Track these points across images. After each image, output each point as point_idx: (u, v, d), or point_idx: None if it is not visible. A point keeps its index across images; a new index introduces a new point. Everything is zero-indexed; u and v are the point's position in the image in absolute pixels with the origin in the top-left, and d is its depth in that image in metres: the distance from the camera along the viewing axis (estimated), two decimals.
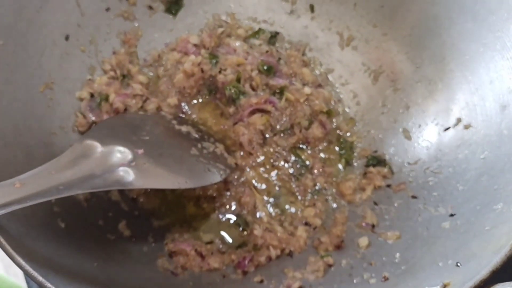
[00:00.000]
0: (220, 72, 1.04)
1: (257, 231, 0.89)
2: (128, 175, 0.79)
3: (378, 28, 1.08)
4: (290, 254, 0.89)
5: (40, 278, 0.62)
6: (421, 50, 1.02)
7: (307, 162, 1.00)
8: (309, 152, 1.01)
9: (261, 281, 0.85)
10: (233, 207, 0.94)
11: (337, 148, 1.03)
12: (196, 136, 0.98)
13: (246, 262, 0.87)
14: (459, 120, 0.93)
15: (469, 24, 0.95)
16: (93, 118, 0.98)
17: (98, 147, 0.81)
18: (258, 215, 0.94)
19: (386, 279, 0.78)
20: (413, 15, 1.02)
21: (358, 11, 1.09)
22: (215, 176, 0.90)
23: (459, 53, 0.96)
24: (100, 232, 0.84)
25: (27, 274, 0.63)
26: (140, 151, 0.84)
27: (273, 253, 0.88)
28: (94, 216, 0.86)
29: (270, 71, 1.06)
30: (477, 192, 0.82)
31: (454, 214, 0.82)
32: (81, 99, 0.99)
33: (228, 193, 0.95)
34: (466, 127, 0.92)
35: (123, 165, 0.80)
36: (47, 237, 0.73)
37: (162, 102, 1.03)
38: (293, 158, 1.00)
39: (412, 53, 1.03)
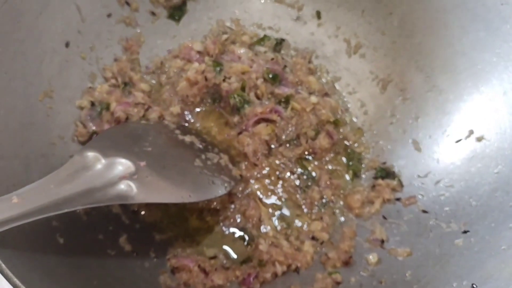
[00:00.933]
0: (224, 80, 1.01)
1: (263, 246, 0.86)
2: (130, 189, 0.76)
3: (386, 35, 1.05)
4: (297, 270, 0.86)
5: None
6: (432, 59, 0.99)
7: (314, 174, 0.97)
8: (315, 163, 0.98)
9: None
10: (238, 220, 0.91)
11: (344, 159, 1.00)
12: (200, 146, 0.95)
13: (251, 279, 0.84)
14: (471, 132, 0.91)
15: (481, 33, 0.92)
16: (94, 128, 0.95)
17: (99, 159, 0.78)
18: (263, 229, 0.91)
19: None
20: (423, 23, 1.00)
21: (366, 18, 1.06)
22: (220, 189, 0.87)
23: (471, 63, 0.94)
24: (100, 247, 0.81)
25: None
26: (143, 164, 0.81)
27: (279, 269, 0.85)
28: (94, 231, 0.83)
29: (275, 79, 1.03)
30: (492, 208, 0.79)
31: (468, 231, 0.79)
32: (81, 108, 0.96)
33: (233, 206, 0.92)
34: (479, 139, 0.89)
35: (125, 178, 0.77)
36: (45, 253, 0.71)
37: (165, 110, 1.00)
38: (299, 169, 0.97)
39: (422, 62, 1.00)
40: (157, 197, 0.79)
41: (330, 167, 0.98)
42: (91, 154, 0.78)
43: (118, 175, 0.77)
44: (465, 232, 0.79)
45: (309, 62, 1.10)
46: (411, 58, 1.02)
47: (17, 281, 0.60)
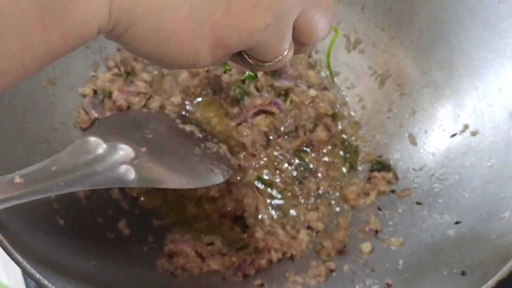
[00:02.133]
0: (225, 72, 1.03)
1: (259, 233, 0.88)
2: (130, 173, 0.77)
3: (385, 31, 1.06)
4: (292, 258, 0.88)
5: (38, 276, 0.61)
6: (429, 55, 1.01)
7: (311, 165, 0.98)
8: (313, 155, 0.99)
9: (262, 285, 0.83)
10: (235, 209, 0.92)
11: (341, 152, 1.01)
12: (200, 135, 0.97)
13: (247, 264, 0.85)
14: (466, 127, 0.92)
15: (478, 30, 0.94)
16: (96, 115, 0.97)
17: (101, 144, 0.79)
18: (260, 217, 0.92)
19: (389, 286, 0.77)
20: (421, 20, 1.01)
21: (366, 14, 1.08)
22: (218, 177, 0.89)
23: (467, 59, 0.95)
24: (99, 230, 0.83)
25: (24, 271, 0.61)
26: (143, 149, 0.83)
27: (274, 256, 0.86)
28: (94, 214, 0.85)
29: (275, 72, 1.05)
30: (484, 200, 0.81)
31: (460, 222, 0.81)
32: (84, 96, 0.98)
33: (230, 195, 0.93)
34: (473, 134, 0.91)
35: (125, 163, 0.79)
36: (45, 234, 0.72)
37: (166, 100, 1.02)
38: (297, 161, 0.99)
39: (420, 57, 1.02)
40: (157, 182, 0.80)
41: (327, 159, 1.00)
42: (92, 139, 0.79)
43: (118, 160, 0.78)
44: (457, 223, 0.81)
45: (309, 56, 1.11)
46: (409, 54, 1.03)
47: (18, 257, 0.61)
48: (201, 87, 1.04)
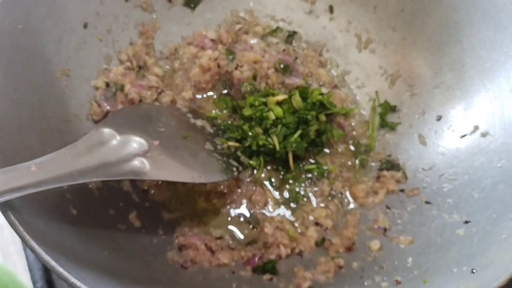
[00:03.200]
0: (236, 68, 1.03)
1: (268, 229, 0.88)
2: (143, 166, 0.78)
3: (397, 32, 1.07)
4: (300, 253, 0.88)
5: (53, 263, 0.61)
6: (441, 56, 1.01)
7: (325, 167, 0.99)
8: (327, 152, 1.00)
9: (271, 279, 0.84)
10: (244, 204, 0.93)
11: (352, 149, 1.02)
12: (211, 130, 0.98)
13: (256, 259, 0.86)
14: (476, 128, 0.93)
15: (491, 32, 0.94)
16: (108, 108, 0.97)
17: (115, 136, 0.80)
18: (268, 213, 0.93)
19: (398, 283, 0.77)
20: (433, 21, 1.02)
21: (378, 14, 1.08)
22: (228, 173, 0.90)
23: (479, 61, 0.95)
24: (111, 221, 0.84)
25: (38, 258, 0.62)
26: (156, 143, 0.83)
27: (283, 251, 0.87)
28: (105, 205, 0.85)
29: (286, 70, 1.05)
30: (493, 200, 0.81)
31: (469, 221, 0.81)
32: (97, 88, 0.98)
33: (239, 190, 0.94)
34: (483, 135, 0.91)
35: (138, 155, 0.79)
36: (59, 222, 0.73)
37: (177, 95, 1.03)
38: (310, 160, 0.99)
39: (431, 58, 1.02)
40: (169, 175, 0.81)
41: (338, 157, 1.00)
42: (107, 130, 0.80)
43: (132, 152, 0.79)
44: (466, 222, 0.81)
45: (320, 55, 1.12)
46: (420, 54, 1.04)
47: (34, 243, 0.62)
48: (212, 82, 1.05)
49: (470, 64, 0.97)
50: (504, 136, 0.87)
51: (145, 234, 0.86)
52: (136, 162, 0.78)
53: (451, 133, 0.96)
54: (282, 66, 1.05)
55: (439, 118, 0.98)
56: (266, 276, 0.84)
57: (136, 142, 0.81)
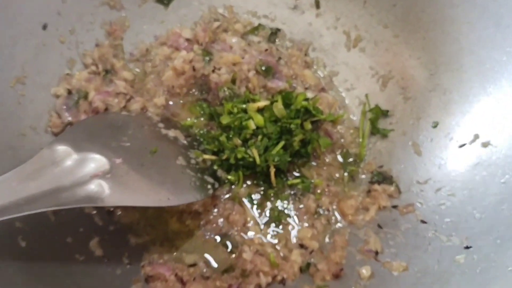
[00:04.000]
0: (213, 71, 0.94)
1: (247, 254, 0.80)
2: (101, 190, 0.69)
3: (389, 29, 0.98)
4: (283, 281, 0.80)
5: None
6: (436, 55, 0.92)
7: (311, 181, 0.90)
8: (313, 164, 0.91)
9: None
10: (221, 225, 0.84)
11: (340, 159, 0.93)
12: (185, 142, 0.88)
13: None
14: (476, 137, 0.84)
15: (491, 29, 0.86)
16: (69, 118, 0.88)
17: (71, 154, 0.71)
18: (248, 235, 0.84)
19: None
20: (428, 17, 0.93)
21: (368, 9, 0.99)
22: (202, 191, 0.81)
23: (478, 61, 0.87)
24: (68, 251, 0.75)
25: None
26: (119, 161, 0.74)
27: (264, 280, 0.78)
28: (62, 233, 0.76)
29: (268, 72, 0.96)
30: (497, 222, 0.73)
31: (470, 247, 0.73)
32: (57, 96, 0.89)
33: (216, 210, 0.85)
34: (485, 145, 0.82)
35: (97, 176, 0.70)
36: (3, 260, 0.64)
37: (148, 102, 0.93)
38: (294, 173, 0.90)
39: (426, 58, 0.94)
40: (132, 199, 0.72)
41: (326, 169, 0.92)
42: (61, 148, 0.71)
43: (90, 173, 0.71)
44: (467, 247, 0.73)
45: (306, 54, 1.03)
46: (414, 54, 0.95)
47: None
48: (187, 87, 0.95)
49: (468, 65, 0.88)
50: (508, 148, 0.79)
51: (107, 264, 0.77)
52: (93, 186, 0.69)
53: (448, 142, 0.87)
54: (264, 68, 0.96)
55: (435, 125, 0.90)
56: None
57: (95, 161, 0.72)
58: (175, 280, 0.76)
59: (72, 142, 0.73)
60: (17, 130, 0.81)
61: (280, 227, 0.86)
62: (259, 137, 0.88)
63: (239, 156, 0.86)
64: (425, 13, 0.93)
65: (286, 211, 0.87)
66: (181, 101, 0.95)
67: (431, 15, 0.92)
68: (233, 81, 0.94)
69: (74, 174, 0.69)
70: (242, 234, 0.84)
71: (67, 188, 0.67)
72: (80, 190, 0.68)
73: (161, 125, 0.90)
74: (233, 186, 0.87)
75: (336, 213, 0.88)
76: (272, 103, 0.91)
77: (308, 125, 0.89)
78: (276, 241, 0.84)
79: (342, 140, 0.95)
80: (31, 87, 0.85)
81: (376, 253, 0.81)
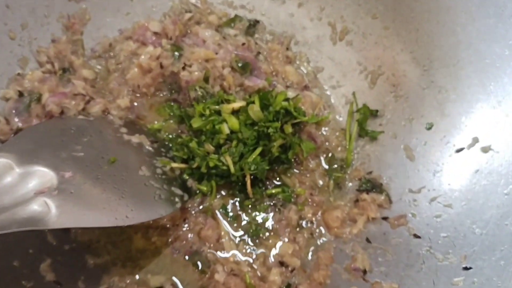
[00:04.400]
0: (184, 68, 0.85)
1: (219, 274, 0.71)
2: (46, 210, 0.60)
3: (378, 19, 0.89)
4: None
5: None
6: (431, 49, 0.84)
7: (292, 189, 0.81)
8: (295, 172, 0.82)
9: None
10: (191, 242, 0.75)
11: (325, 165, 0.84)
12: (150, 149, 0.79)
13: None
14: (475, 140, 0.76)
15: (491, 20, 0.77)
16: (19, 124, 0.78)
17: (12, 168, 0.62)
18: (221, 253, 0.75)
19: None
20: (421, 6, 0.84)
21: None
22: (168, 206, 0.72)
23: (477, 56, 0.79)
24: (13, 277, 0.65)
25: None
26: (68, 174, 0.65)
27: None
28: (8, 255, 0.67)
29: (246, 68, 0.87)
30: (500, 240, 0.65)
31: (470, 268, 0.64)
32: (6, 99, 0.79)
33: (186, 224, 0.76)
34: (485, 150, 0.74)
35: (41, 193, 0.61)
36: None
37: (111, 103, 0.84)
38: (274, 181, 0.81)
39: (419, 52, 0.85)
40: (82, 220, 0.63)
41: (308, 176, 0.83)
42: (1, 161, 0.62)
43: (33, 190, 0.61)
44: (466, 268, 0.64)
45: (287, 49, 0.94)
46: (405, 47, 0.87)
47: None
48: (154, 86, 0.86)
49: (466, 60, 0.80)
50: (511, 154, 0.70)
51: None
52: (36, 206, 0.60)
53: (444, 146, 0.79)
54: (240, 64, 0.87)
55: (429, 127, 0.81)
56: None
57: (40, 176, 0.63)
58: None
59: (15, 153, 0.64)
60: None
61: (258, 242, 0.77)
62: (234, 142, 0.79)
63: (212, 164, 0.77)
64: (418, 2, 0.85)
65: (265, 224, 0.78)
66: (148, 102, 0.86)
67: (425, 4, 0.84)
68: (206, 79, 0.85)
69: (14, 192, 0.60)
70: (214, 251, 0.75)
71: (6, 208, 0.58)
72: (21, 211, 0.59)
73: (123, 130, 0.80)
74: (205, 198, 0.78)
75: (321, 226, 0.79)
76: (248, 104, 0.81)
77: (289, 129, 0.80)
78: (252, 259, 0.75)
79: (327, 144, 0.86)
80: None
81: (364, 272, 0.72)
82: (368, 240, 0.77)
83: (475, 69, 0.79)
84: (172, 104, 0.86)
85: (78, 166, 0.67)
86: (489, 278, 0.61)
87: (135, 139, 0.79)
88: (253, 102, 0.81)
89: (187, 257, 0.75)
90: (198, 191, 0.78)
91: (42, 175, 0.63)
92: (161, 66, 0.85)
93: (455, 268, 0.66)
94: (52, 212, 0.60)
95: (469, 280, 0.63)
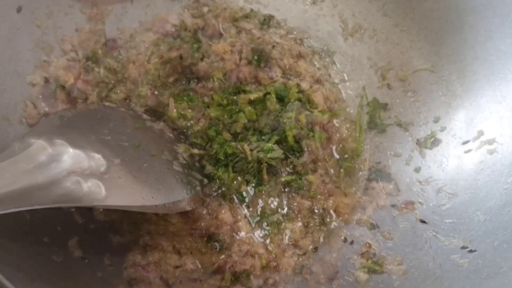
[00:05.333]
0: (202, 59, 0.88)
1: (236, 255, 0.75)
2: (80, 188, 0.64)
3: (388, 17, 0.93)
4: (275, 284, 0.74)
5: None
6: (438, 46, 0.87)
7: (305, 177, 0.85)
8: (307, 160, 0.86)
9: None
10: (209, 224, 0.79)
11: (336, 155, 0.88)
12: (171, 135, 0.83)
13: (227, 267, 0.73)
14: (481, 134, 0.80)
15: (498, 19, 0.81)
16: (46, 109, 0.82)
17: (45, 148, 0.65)
18: (238, 235, 0.79)
19: None
20: (431, 5, 0.88)
21: (387, 10, 0.93)
22: (190, 189, 0.75)
23: (484, 53, 0.82)
24: (44, 252, 0.69)
25: None
26: (98, 156, 0.69)
27: (258, 263, 0.74)
28: (38, 231, 0.70)
29: (260, 61, 0.91)
30: (503, 225, 0.69)
31: (475, 251, 0.68)
32: (33, 85, 0.82)
33: (204, 208, 0.80)
34: (490, 142, 0.78)
35: (74, 173, 0.65)
36: None
37: (132, 92, 0.87)
38: (288, 169, 0.85)
39: (428, 49, 0.89)
40: (113, 199, 0.66)
41: (320, 165, 0.86)
42: (58, 142, 0.66)
43: (66, 169, 0.65)
44: (471, 251, 0.69)
45: (300, 43, 0.97)
46: (414, 44, 0.91)
47: None
48: (174, 76, 0.90)
49: (473, 56, 0.84)
50: None
51: (87, 265, 0.72)
52: (70, 184, 0.63)
53: (451, 139, 0.83)
54: (256, 57, 0.90)
55: (436, 120, 0.85)
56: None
57: (72, 156, 0.66)
58: (160, 282, 0.72)
59: (47, 135, 0.67)
60: None
61: (272, 225, 0.81)
62: (250, 131, 0.82)
63: (229, 151, 0.80)
64: (443, 19, 0.88)
65: (278, 210, 0.82)
66: (167, 92, 0.89)
67: (435, 3, 0.87)
68: (223, 71, 0.88)
69: (49, 170, 0.63)
70: (231, 233, 0.79)
71: (42, 186, 0.61)
72: (56, 188, 0.62)
73: (145, 117, 0.84)
74: (222, 183, 0.82)
75: (332, 212, 0.83)
76: (265, 95, 0.85)
77: (303, 119, 0.84)
78: (268, 241, 0.79)
79: (338, 135, 0.90)
80: (4, 74, 0.79)
81: (373, 254, 0.76)
82: (376, 226, 0.80)
83: (481, 65, 0.82)
84: (190, 94, 0.90)
85: (106, 148, 0.70)
86: (493, 260, 0.65)
87: (157, 125, 0.83)
88: (269, 93, 0.85)
89: (205, 239, 0.78)
90: (215, 177, 0.82)
91: (74, 156, 0.66)
92: (181, 57, 0.89)
93: (459, 250, 0.70)
94: (84, 191, 0.63)
95: (474, 262, 0.67)
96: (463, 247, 0.69)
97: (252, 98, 0.85)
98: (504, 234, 0.67)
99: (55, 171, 0.64)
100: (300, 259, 0.78)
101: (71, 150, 0.66)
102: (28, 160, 0.63)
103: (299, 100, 0.85)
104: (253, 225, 0.80)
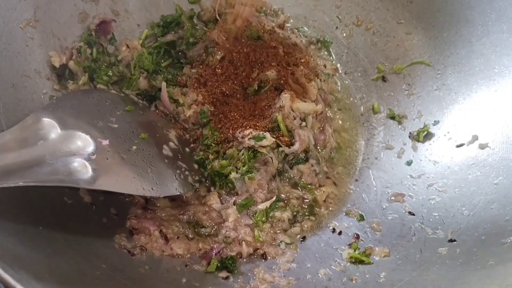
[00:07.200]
0: (196, 44, 0.94)
1: (224, 241, 0.78)
2: (85, 170, 0.66)
3: (402, 24, 0.98)
4: (264, 256, 0.78)
5: None
6: (446, 56, 0.92)
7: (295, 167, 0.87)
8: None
9: (226, 278, 0.74)
10: (198, 209, 0.81)
11: (328, 146, 0.91)
12: (162, 119, 0.87)
13: (214, 253, 0.76)
14: (475, 138, 0.84)
15: (505, 34, 0.86)
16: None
17: (55, 128, 0.68)
18: (227, 221, 0.81)
19: None
20: (443, 17, 0.93)
21: (385, 2, 0.99)
22: (186, 185, 0.79)
23: (480, 48, 0.87)
24: (57, 193, 0.73)
25: None
26: (105, 142, 0.72)
27: (245, 250, 0.77)
28: None
29: (255, 49, 0.92)
30: (484, 220, 0.72)
31: (455, 240, 0.72)
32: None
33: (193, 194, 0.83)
34: (482, 146, 0.82)
35: (81, 155, 0.67)
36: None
37: (124, 75, 0.91)
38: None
39: (436, 57, 0.94)
40: (115, 185, 0.69)
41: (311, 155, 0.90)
42: (46, 121, 0.68)
43: (74, 151, 0.67)
44: (451, 240, 0.72)
45: (297, 33, 1.02)
46: (424, 52, 0.95)
47: None
48: (167, 61, 0.94)
49: (477, 68, 0.88)
50: (505, 151, 0.79)
51: (94, 212, 0.76)
52: (76, 165, 0.65)
53: (447, 141, 0.87)
54: (251, 45, 0.93)
55: (435, 123, 0.90)
56: (222, 274, 0.74)
57: (81, 139, 0.69)
58: (159, 235, 0.75)
59: (58, 116, 0.70)
60: (21, 71, 0.80)
61: (261, 214, 0.82)
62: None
63: (220, 137, 0.85)
64: (441, 12, 0.93)
65: (268, 198, 0.84)
66: (160, 76, 0.92)
67: (447, 15, 0.92)
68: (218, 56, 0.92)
69: (57, 149, 0.66)
70: (219, 220, 0.81)
71: (49, 163, 0.64)
72: (61, 167, 0.64)
73: (137, 100, 0.88)
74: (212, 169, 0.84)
75: (321, 202, 0.86)
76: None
77: (296, 108, 0.88)
78: (255, 229, 0.80)
79: (331, 126, 0.94)
80: (41, 32, 0.84)
81: (358, 236, 0.80)
82: (365, 217, 0.83)
83: (477, 60, 0.87)
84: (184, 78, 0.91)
85: (113, 136, 0.74)
86: (469, 249, 0.68)
87: (148, 109, 0.87)
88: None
89: (193, 224, 0.80)
90: (205, 163, 0.83)
91: (83, 139, 0.69)
92: (175, 42, 0.95)
93: (441, 240, 0.73)
94: (88, 174, 0.66)
95: (452, 250, 0.70)
96: (451, 240, 0.73)
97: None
98: (484, 228, 0.71)
99: (62, 151, 0.66)
100: (288, 247, 0.80)
101: (59, 129, 0.68)
102: (38, 137, 0.66)
103: (294, 90, 0.88)
104: (241, 213, 0.81)
